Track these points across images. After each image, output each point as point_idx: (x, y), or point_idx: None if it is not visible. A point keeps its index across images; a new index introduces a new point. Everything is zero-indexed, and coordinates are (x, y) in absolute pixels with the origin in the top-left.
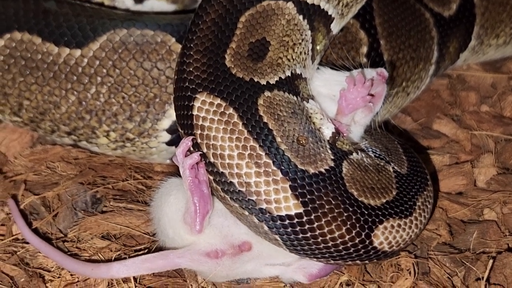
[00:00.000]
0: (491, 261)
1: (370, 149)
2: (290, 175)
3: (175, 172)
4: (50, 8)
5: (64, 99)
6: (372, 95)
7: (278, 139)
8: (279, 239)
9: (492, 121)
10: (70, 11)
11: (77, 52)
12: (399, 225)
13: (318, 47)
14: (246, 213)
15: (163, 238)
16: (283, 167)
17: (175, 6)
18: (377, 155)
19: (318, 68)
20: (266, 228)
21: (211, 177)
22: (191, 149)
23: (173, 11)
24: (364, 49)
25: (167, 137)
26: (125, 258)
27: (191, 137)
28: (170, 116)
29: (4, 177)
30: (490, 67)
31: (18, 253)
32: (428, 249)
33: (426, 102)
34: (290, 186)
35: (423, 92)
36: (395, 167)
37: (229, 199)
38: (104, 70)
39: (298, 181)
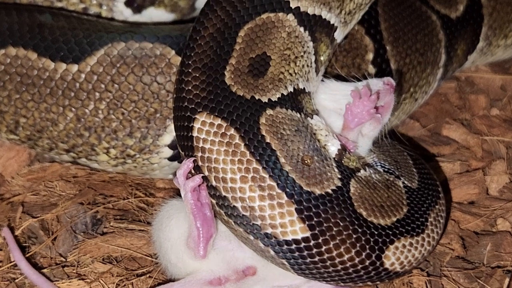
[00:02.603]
0: (507, 279)
1: (378, 163)
2: (295, 197)
3: (177, 189)
4: (45, 22)
5: (62, 116)
6: (378, 107)
7: (282, 160)
8: (286, 263)
9: (503, 125)
10: (66, 24)
11: (74, 67)
12: (411, 244)
13: (322, 58)
14: (251, 237)
15: (165, 263)
16: (288, 190)
17: (173, 15)
18: (386, 169)
19: (323, 80)
20: (272, 252)
21: (214, 201)
22: (192, 171)
23: (172, 20)
24: (370, 56)
25: (169, 152)
26: (127, 284)
27: (192, 159)
28: (171, 131)
29: (1, 199)
30: (499, 68)
31: (16, 280)
32: (441, 265)
33: (435, 107)
34: (295, 209)
35: (431, 96)
36: (405, 182)
37: (233, 223)
38: (103, 86)
39: (304, 204)
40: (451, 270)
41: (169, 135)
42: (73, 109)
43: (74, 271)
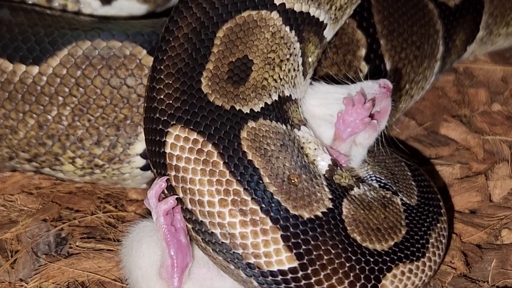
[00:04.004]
0: None
1: (373, 177)
2: (281, 223)
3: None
4: (2, 18)
5: (22, 123)
6: (373, 115)
7: (266, 180)
8: None
9: (506, 123)
10: (26, 20)
11: (35, 69)
12: (410, 271)
13: (310, 59)
14: (232, 267)
15: None
16: (272, 214)
17: (146, 6)
18: (382, 184)
19: (311, 83)
20: (255, 284)
21: (190, 226)
22: (166, 191)
23: (145, 12)
24: (363, 52)
25: (141, 162)
26: None
27: (165, 178)
28: (143, 139)
29: None
30: (499, 57)
31: None
32: (443, 286)
33: (431, 102)
34: (281, 236)
35: (428, 90)
36: (404, 198)
37: (211, 250)
38: (66, 90)
39: (291, 230)
40: None
41: (141, 144)
42: (34, 115)
43: None
